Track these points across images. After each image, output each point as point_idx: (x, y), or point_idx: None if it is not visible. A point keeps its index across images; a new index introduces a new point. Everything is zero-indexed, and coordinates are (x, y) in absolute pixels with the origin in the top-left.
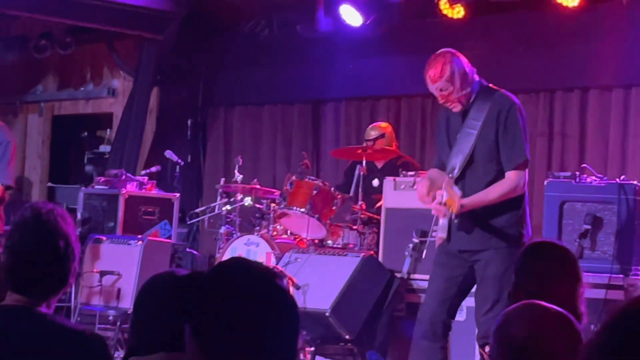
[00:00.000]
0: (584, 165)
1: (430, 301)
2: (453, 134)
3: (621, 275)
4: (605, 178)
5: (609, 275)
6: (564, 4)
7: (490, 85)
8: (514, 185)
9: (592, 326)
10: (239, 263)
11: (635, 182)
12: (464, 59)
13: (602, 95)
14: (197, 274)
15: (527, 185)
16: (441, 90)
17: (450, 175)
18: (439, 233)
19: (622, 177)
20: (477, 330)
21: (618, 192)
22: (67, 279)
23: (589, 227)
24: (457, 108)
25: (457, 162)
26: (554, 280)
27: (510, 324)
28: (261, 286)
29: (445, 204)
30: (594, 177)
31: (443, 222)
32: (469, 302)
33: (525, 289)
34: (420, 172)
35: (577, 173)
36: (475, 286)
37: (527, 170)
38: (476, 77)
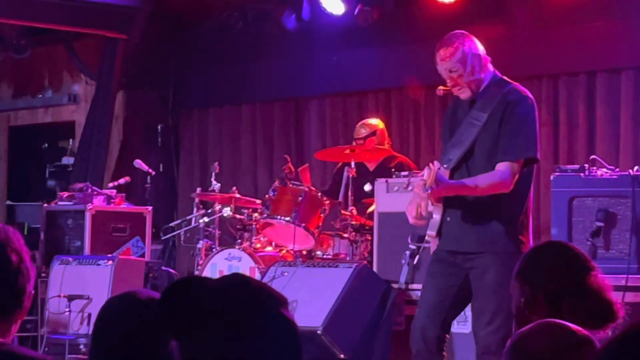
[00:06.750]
0: (594, 156)
1: (422, 315)
2: (458, 127)
3: (639, 276)
4: (617, 170)
5: (626, 276)
6: None
7: (505, 77)
8: (503, 177)
9: (610, 333)
10: (242, 283)
11: None
12: (479, 44)
13: (610, 78)
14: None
15: (532, 185)
16: (450, 71)
17: (445, 166)
18: (429, 230)
19: (635, 168)
20: (476, 346)
21: (632, 185)
22: (21, 299)
23: (601, 224)
24: (465, 94)
25: (455, 153)
26: (577, 276)
27: (527, 342)
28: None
29: (424, 182)
30: (604, 169)
31: (435, 218)
32: None
33: (546, 289)
34: (416, 172)
35: (586, 165)
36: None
37: (527, 170)
38: (490, 68)
